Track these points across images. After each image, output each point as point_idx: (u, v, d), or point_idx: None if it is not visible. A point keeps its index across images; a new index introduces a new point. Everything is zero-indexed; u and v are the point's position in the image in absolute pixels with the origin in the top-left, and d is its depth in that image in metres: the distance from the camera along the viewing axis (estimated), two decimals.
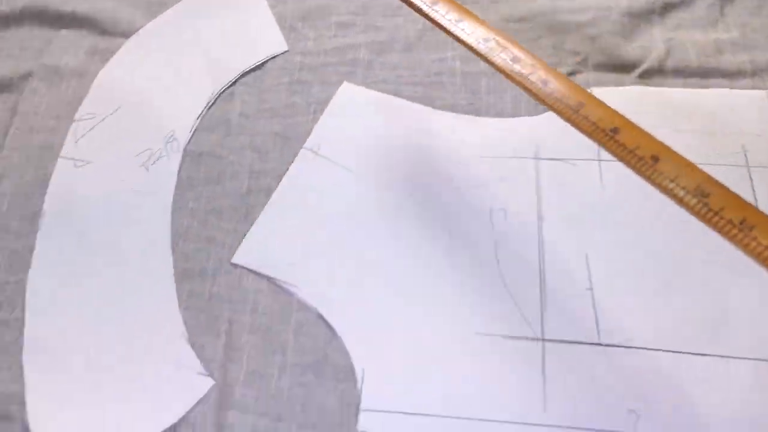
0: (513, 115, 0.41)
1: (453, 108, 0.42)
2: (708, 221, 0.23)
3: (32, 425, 0.33)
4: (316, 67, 0.44)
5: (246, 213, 0.39)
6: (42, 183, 0.41)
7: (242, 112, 0.43)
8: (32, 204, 0.40)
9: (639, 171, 0.25)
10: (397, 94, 0.43)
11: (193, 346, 0.35)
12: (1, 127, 0.43)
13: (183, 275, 0.37)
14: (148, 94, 0.44)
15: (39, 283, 0.38)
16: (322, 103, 0.43)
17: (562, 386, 0.32)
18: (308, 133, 0.42)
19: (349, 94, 0.43)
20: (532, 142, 0.40)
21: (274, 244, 0.38)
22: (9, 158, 0.42)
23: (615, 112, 0.27)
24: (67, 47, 0.47)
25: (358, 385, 0.34)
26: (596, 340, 0.33)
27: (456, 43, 0.41)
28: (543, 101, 0.28)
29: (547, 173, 0.39)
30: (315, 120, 0.42)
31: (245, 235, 0.38)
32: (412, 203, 0.39)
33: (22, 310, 0.37)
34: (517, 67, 0.29)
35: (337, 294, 0.36)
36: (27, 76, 0.45)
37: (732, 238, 0.23)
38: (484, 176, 0.39)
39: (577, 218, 0.37)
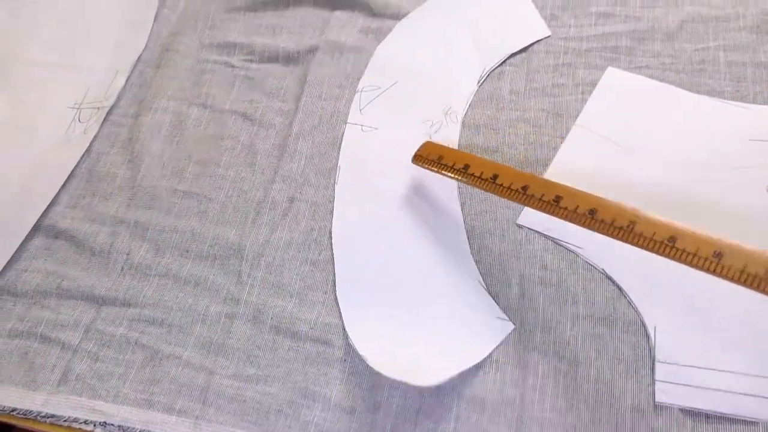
0: None
1: (718, 95, 0.44)
2: None
3: (356, 345, 0.37)
4: (580, 51, 0.47)
5: None
6: (333, 142, 0.46)
7: (512, 90, 0.46)
8: (327, 161, 0.45)
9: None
10: (660, 79, 0.45)
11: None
12: (295, 95, 0.49)
13: (472, 232, 0.41)
14: (423, 70, 0.48)
15: (341, 228, 0.42)
16: (589, 85, 0.46)
17: None
18: (577, 111, 0.45)
19: (615, 78, 0.46)
20: None
21: None
22: (303, 121, 0.47)
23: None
24: (342, 26, 0.52)
25: (651, 340, 0.36)
26: None
27: (719, 34, 0.44)
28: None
29: None
30: (583, 100, 0.45)
31: None
32: (685, 178, 0.41)
33: (329, 251, 0.42)
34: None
35: (621, 257, 0.39)
36: (313, 50, 0.50)
37: None
38: (754, 158, 0.41)
39: None
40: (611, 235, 0.32)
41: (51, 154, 0.47)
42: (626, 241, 0.32)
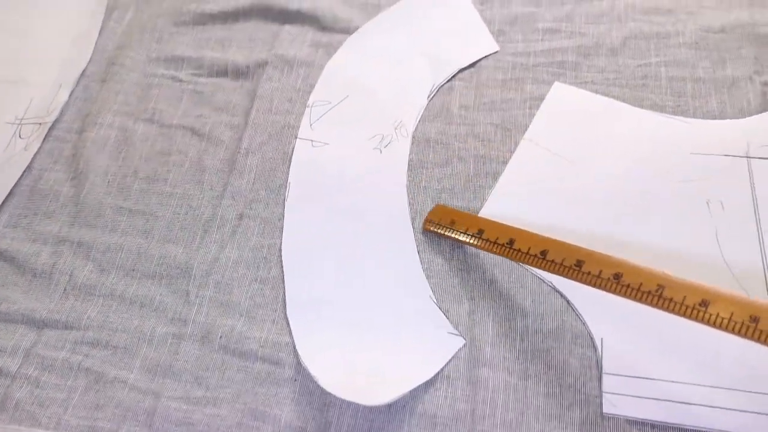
0: (720, 117, 0.44)
1: (660, 109, 0.45)
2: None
3: (307, 364, 0.36)
4: (528, 66, 0.48)
5: (475, 192, 0.43)
6: (283, 158, 0.46)
7: (462, 104, 0.47)
8: (277, 177, 0.45)
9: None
10: (605, 94, 0.46)
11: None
12: (244, 109, 0.48)
13: (422, 248, 0.41)
14: (373, 85, 0.48)
15: (292, 245, 0.42)
16: (537, 99, 0.46)
17: None
18: (526, 126, 0.45)
19: (562, 93, 0.46)
20: (743, 141, 0.43)
21: (503, 222, 0.41)
22: (253, 137, 0.47)
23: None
24: (292, 40, 0.52)
25: (598, 352, 0.37)
26: None
27: (660, 50, 0.45)
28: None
29: (761, 171, 0.42)
30: (531, 114, 0.46)
31: (476, 213, 0.42)
32: (629, 192, 0.42)
33: (279, 269, 0.41)
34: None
35: None
36: (263, 64, 0.50)
37: None
38: (695, 171, 0.42)
39: None
40: (638, 300, 0.32)
41: None
42: (651, 305, 0.31)
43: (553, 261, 0.35)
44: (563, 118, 0.45)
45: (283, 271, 0.41)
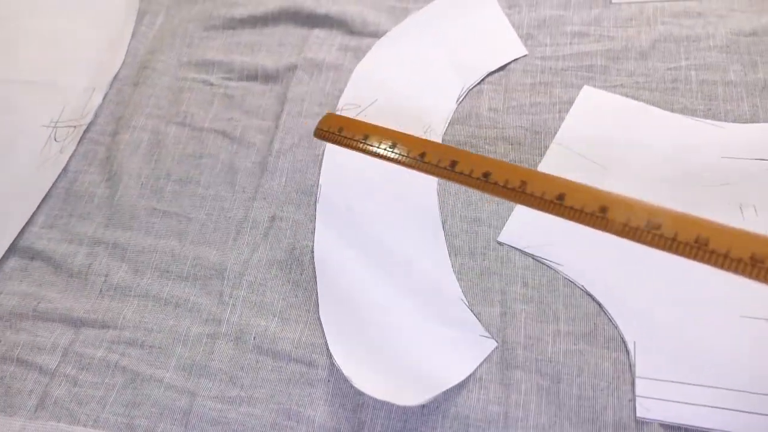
0: (752, 121, 0.44)
1: (691, 113, 0.45)
2: None
3: (340, 365, 0.37)
4: (557, 70, 0.48)
5: None
6: (314, 160, 0.46)
7: (491, 108, 0.47)
8: (308, 179, 0.45)
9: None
10: (635, 98, 0.46)
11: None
12: (274, 113, 0.49)
13: (453, 250, 0.41)
14: (402, 89, 0.49)
15: (323, 247, 0.42)
16: (566, 103, 0.46)
17: None
18: (555, 129, 0.45)
19: (591, 96, 0.46)
20: None
21: (535, 225, 0.42)
22: (284, 139, 0.47)
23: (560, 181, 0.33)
24: (321, 44, 0.52)
25: (631, 355, 0.37)
26: None
27: (690, 53, 0.45)
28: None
29: None
30: (561, 118, 0.46)
31: (508, 216, 0.42)
32: (660, 196, 0.42)
33: (311, 270, 0.42)
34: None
35: (601, 273, 0.39)
36: (292, 68, 0.50)
37: None
38: (728, 176, 0.42)
39: None
40: (504, 197, 0.34)
41: (26, 174, 0.47)
42: (516, 201, 0.34)
43: (429, 162, 0.36)
44: (593, 122, 0.45)
45: (315, 273, 0.41)
